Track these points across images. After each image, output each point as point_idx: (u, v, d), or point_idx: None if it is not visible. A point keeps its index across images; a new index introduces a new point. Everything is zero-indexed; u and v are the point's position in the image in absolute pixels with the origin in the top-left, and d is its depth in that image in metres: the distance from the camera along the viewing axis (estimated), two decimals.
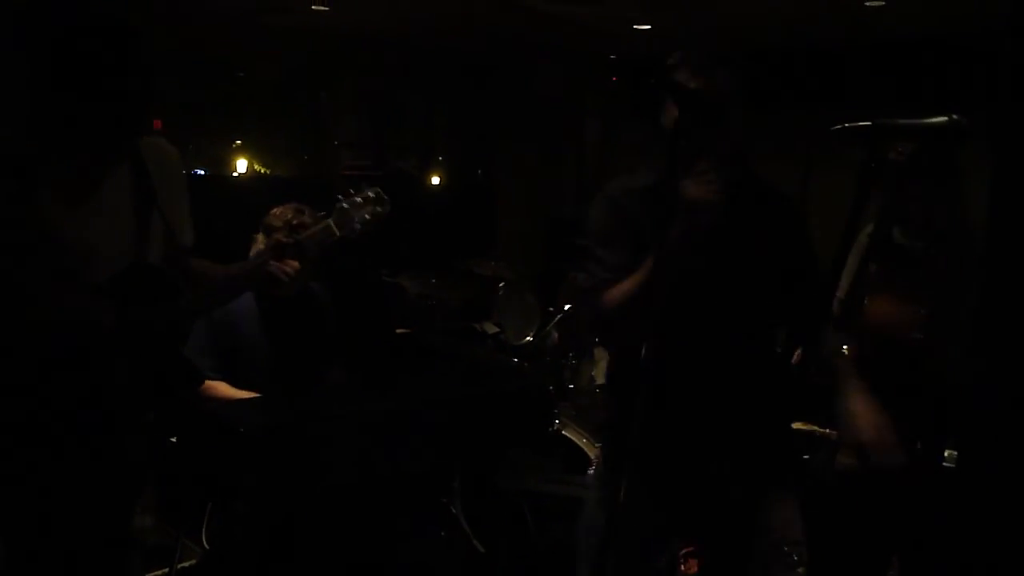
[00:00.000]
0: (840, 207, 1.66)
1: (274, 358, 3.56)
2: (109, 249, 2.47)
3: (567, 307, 5.05)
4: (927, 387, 2.82)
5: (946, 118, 1.55)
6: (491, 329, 5.71)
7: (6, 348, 2.37)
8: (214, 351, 3.42)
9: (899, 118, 1.58)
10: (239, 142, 7.96)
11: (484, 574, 3.95)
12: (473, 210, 8.73)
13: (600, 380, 4.87)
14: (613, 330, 2.52)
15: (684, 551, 2.94)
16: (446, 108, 9.14)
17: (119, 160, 2.53)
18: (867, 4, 5.73)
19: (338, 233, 2.83)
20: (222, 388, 3.42)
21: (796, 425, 3.59)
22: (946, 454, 2.90)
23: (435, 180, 9.02)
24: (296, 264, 2.79)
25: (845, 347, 3.08)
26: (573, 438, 4.30)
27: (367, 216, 2.86)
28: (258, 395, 3.44)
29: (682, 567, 2.95)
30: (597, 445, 4.04)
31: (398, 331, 5.61)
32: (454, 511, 4.06)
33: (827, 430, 3.50)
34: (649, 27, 6.89)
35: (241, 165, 7.90)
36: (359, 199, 2.86)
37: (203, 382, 2.91)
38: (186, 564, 3.54)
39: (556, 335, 5.10)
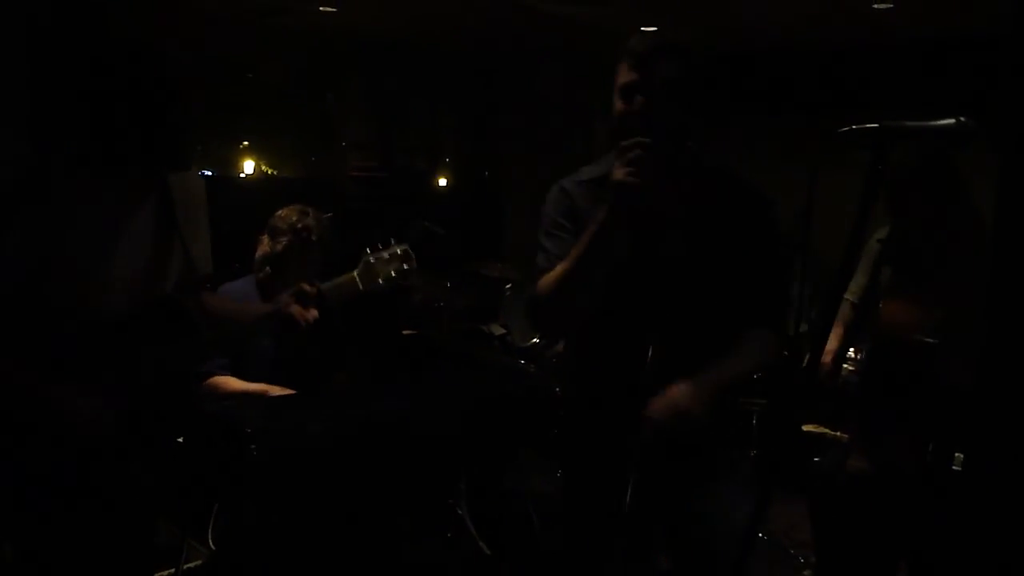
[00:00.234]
0: (847, 209, 1.66)
1: (280, 357, 3.57)
2: (129, 278, 2.44)
3: None
4: (939, 390, 2.81)
5: (953, 120, 1.55)
6: (498, 331, 5.70)
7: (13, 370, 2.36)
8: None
9: (906, 120, 1.57)
10: (246, 143, 7.95)
11: (490, 575, 3.95)
12: (480, 212, 8.73)
13: None
14: (542, 317, 2.50)
15: None
16: (453, 109, 9.14)
17: (149, 193, 2.50)
18: (875, 6, 5.71)
19: (361, 287, 2.82)
20: (231, 383, 3.43)
21: (806, 427, 3.58)
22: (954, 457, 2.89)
23: (442, 181, 9.01)
24: (316, 313, 2.76)
25: (852, 349, 3.08)
26: None
27: (392, 273, 2.84)
28: (267, 386, 3.45)
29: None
30: None
31: (404, 332, 5.60)
32: (460, 512, 4.06)
33: (837, 432, 3.49)
34: (655, 28, 6.88)
35: (248, 166, 7.90)
36: (386, 255, 2.85)
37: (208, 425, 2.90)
38: (192, 565, 3.54)
39: None
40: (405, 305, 5.78)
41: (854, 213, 1.60)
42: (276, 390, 3.48)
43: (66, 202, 2.36)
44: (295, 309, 2.73)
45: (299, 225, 3.62)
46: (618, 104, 2.30)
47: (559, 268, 2.32)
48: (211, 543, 3.41)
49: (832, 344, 3.20)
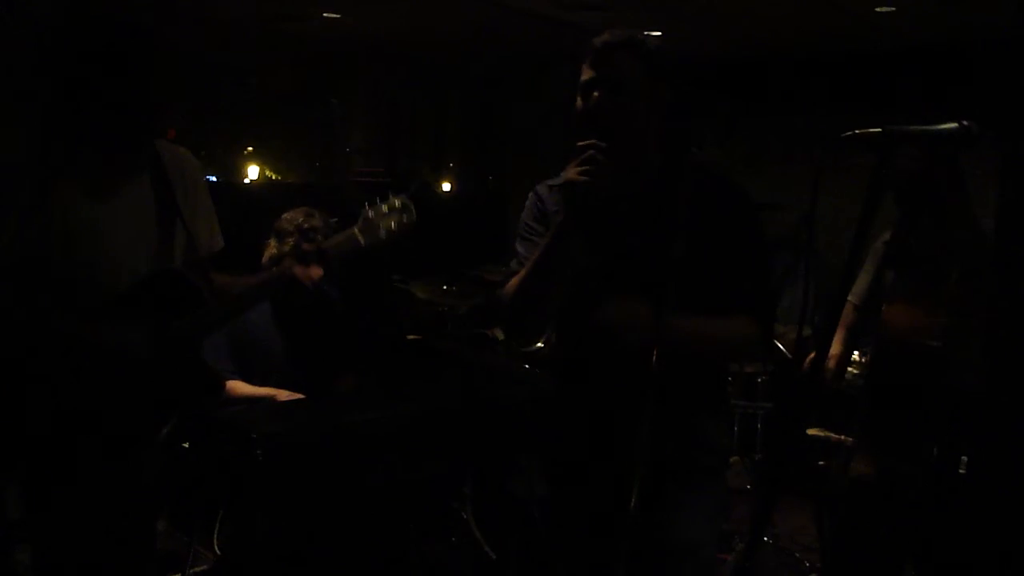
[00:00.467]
0: (851, 213, 1.66)
1: (288, 360, 3.58)
2: (132, 258, 2.48)
3: None
4: (943, 394, 2.81)
5: (956, 124, 1.55)
6: (501, 335, 5.70)
7: (22, 360, 2.39)
8: (231, 352, 3.45)
9: (909, 125, 1.57)
10: (250, 149, 7.97)
11: None
12: (484, 217, 8.73)
13: None
14: (506, 320, 2.49)
15: None
16: (457, 115, 9.15)
17: (137, 169, 2.54)
18: (877, 10, 5.72)
19: (363, 241, 2.77)
20: (240, 387, 3.44)
21: (810, 431, 3.58)
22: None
23: (446, 187, 9.02)
24: (319, 271, 2.77)
25: (857, 353, 3.08)
26: None
27: (393, 225, 2.81)
28: (275, 390, 3.46)
29: None
30: None
31: (408, 337, 5.61)
32: (465, 516, 4.07)
33: (841, 436, 3.49)
34: (660, 33, 6.89)
35: (253, 172, 7.91)
36: (385, 208, 2.81)
37: (224, 389, 2.89)
38: (198, 570, 3.55)
39: None
40: (408, 310, 5.79)
41: (858, 216, 1.60)
42: (284, 395, 3.48)
43: (56, 184, 2.43)
44: (298, 269, 2.74)
45: (305, 226, 3.63)
46: (578, 102, 2.28)
47: (522, 272, 2.33)
48: (217, 548, 3.41)
49: (836, 347, 3.20)
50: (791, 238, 5.33)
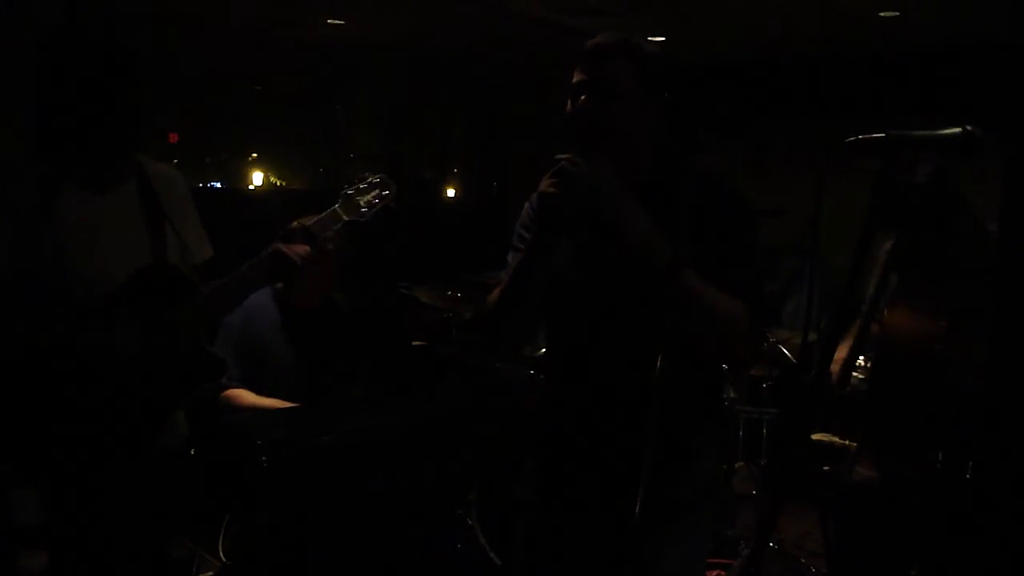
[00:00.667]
0: (856, 218, 1.66)
1: (297, 368, 3.58)
2: (123, 267, 2.52)
3: None
4: (947, 399, 2.80)
5: (960, 129, 1.55)
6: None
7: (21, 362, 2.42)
8: (239, 361, 3.45)
9: (913, 130, 1.57)
10: (255, 155, 7.99)
11: None
12: (488, 222, 8.73)
13: None
14: (486, 329, 2.47)
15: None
16: (461, 120, 9.16)
17: (121, 177, 2.60)
18: (881, 15, 5.72)
19: (345, 217, 2.83)
20: (246, 396, 3.44)
21: (815, 436, 3.58)
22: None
23: (450, 192, 9.03)
24: (307, 248, 2.77)
25: (863, 358, 3.07)
26: None
27: (375, 200, 2.87)
28: (281, 402, 3.46)
29: None
30: None
31: (413, 343, 5.61)
32: (470, 523, 4.06)
33: (846, 441, 3.49)
34: (664, 39, 6.90)
35: (257, 178, 7.93)
36: (363, 185, 2.88)
37: (225, 372, 2.91)
38: None
39: None
40: (413, 316, 5.79)
41: (862, 221, 1.60)
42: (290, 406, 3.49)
43: (43, 189, 2.50)
44: (284, 247, 2.74)
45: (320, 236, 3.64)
46: (567, 105, 2.24)
47: (504, 281, 2.32)
48: (222, 555, 3.41)
49: (841, 352, 3.19)
50: (795, 243, 5.33)
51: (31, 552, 2.98)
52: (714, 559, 4.48)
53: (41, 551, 2.73)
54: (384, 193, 2.90)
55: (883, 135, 1.58)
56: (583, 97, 2.19)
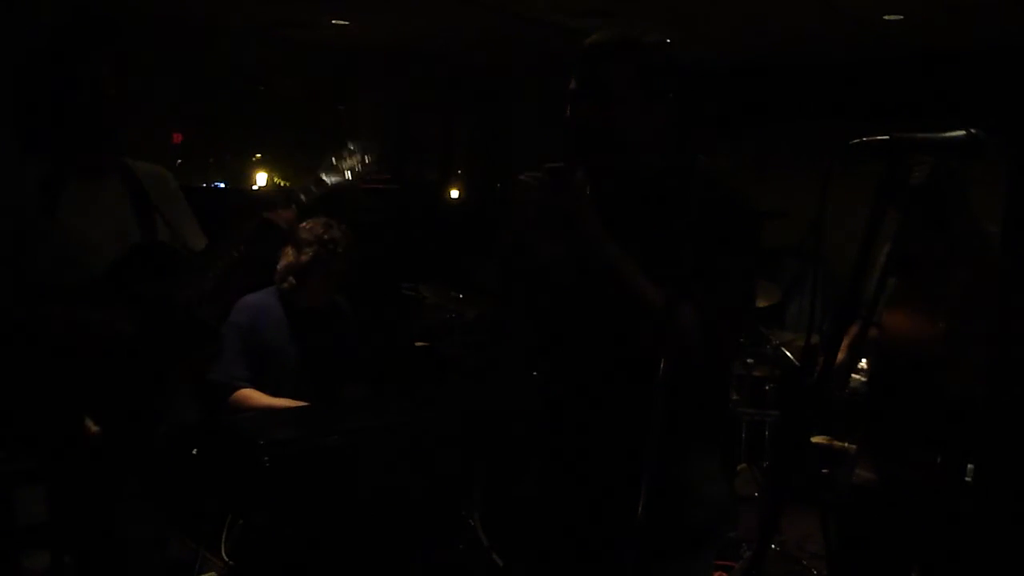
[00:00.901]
0: (860, 220, 1.66)
1: (302, 368, 3.59)
2: (114, 246, 2.54)
3: None
4: (946, 401, 2.81)
5: (964, 132, 1.55)
6: None
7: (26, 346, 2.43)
8: (246, 361, 3.46)
9: (917, 132, 1.57)
10: (259, 155, 7.99)
11: None
12: (491, 224, 8.74)
13: None
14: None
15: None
16: (465, 122, 9.16)
17: (104, 172, 2.64)
18: (885, 18, 5.72)
19: (329, 182, 2.89)
20: (256, 397, 3.45)
21: (815, 439, 3.58)
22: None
23: (454, 193, 9.03)
24: (291, 213, 2.80)
25: (865, 361, 3.07)
26: None
27: (356, 166, 2.93)
28: (294, 402, 3.47)
29: None
30: None
31: (417, 344, 5.62)
32: (472, 523, 4.07)
33: (845, 443, 3.49)
34: (667, 41, 6.89)
35: (261, 178, 7.93)
36: (344, 153, 2.94)
37: (218, 341, 2.92)
38: None
39: None
40: (416, 317, 5.80)
41: (866, 224, 1.60)
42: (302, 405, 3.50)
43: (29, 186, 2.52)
44: (269, 214, 2.78)
45: (325, 237, 3.65)
46: (566, 109, 2.16)
47: None
48: (225, 555, 3.42)
49: (841, 355, 3.19)
50: (798, 245, 5.32)
51: (33, 552, 2.97)
52: (717, 561, 4.48)
53: (43, 551, 2.73)
54: (367, 160, 2.95)
55: (887, 137, 1.57)
56: (582, 103, 2.11)
